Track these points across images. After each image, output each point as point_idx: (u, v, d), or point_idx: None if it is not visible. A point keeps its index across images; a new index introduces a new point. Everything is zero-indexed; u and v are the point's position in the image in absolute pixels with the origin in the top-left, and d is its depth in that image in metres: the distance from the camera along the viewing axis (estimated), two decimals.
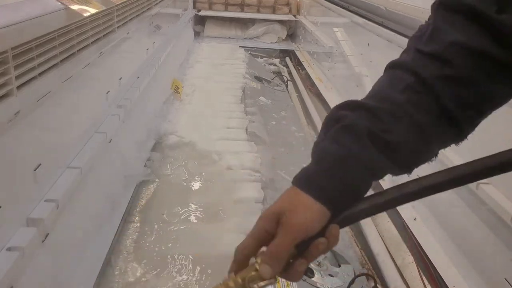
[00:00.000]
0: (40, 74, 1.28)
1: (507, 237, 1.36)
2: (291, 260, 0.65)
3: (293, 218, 0.63)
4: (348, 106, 0.69)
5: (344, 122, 0.66)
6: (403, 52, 0.73)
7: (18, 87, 1.16)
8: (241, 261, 0.66)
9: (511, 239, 1.34)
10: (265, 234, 0.64)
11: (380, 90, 0.72)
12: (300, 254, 0.64)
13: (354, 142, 0.64)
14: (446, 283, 1.60)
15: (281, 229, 0.63)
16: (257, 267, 0.64)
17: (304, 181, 0.65)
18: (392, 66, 0.73)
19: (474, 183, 1.49)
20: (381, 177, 0.69)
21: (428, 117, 0.65)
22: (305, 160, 2.56)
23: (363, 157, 0.64)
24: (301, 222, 0.63)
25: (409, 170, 0.71)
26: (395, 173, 0.71)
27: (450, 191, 1.68)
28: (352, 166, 0.64)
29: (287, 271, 0.65)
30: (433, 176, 0.67)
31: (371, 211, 0.69)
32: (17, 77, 1.14)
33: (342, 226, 0.69)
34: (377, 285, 1.61)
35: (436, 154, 0.70)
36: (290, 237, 0.63)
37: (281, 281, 1.63)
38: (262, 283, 0.65)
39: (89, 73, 1.76)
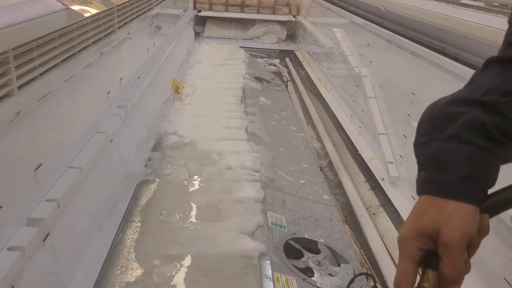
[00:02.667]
0: (41, 74, 1.28)
1: (506, 237, 1.36)
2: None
3: (454, 231, 0.61)
4: (463, 102, 0.66)
5: (466, 119, 0.64)
6: (506, 48, 0.70)
7: (19, 87, 1.16)
8: (405, 284, 0.65)
9: (511, 238, 1.34)
10: (421, 253, 0.63)
11: (495, 85, 0.66)
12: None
13: (485, 139, 0.63)
14: None
15: (445, 248, 0.61)
16: None
17: (446, 189, 0.63)
18: (500, 62, 0.69)
19: None
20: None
21: None
22: (305, 160, 2.55)
23: (498, 153, 0.64)
24: (464, 232, 0.61)
25: None
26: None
27: None
28: (490, 164, 0.64)
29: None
30: None
31: None
32: (18, 77, 1.15)
33: (492, 215, 0.68)
34: (377, 284, 1.61)
35: None
36: (459, 251, 0.61)
37: (281, 280, 1.63)
38: None
39: (89, 73, 1.76)
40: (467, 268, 0.63)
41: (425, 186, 0.64)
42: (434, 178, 0.64)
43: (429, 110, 0.70)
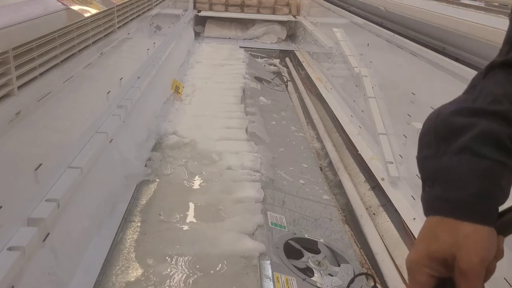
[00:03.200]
0: (41, 74, 1.28)
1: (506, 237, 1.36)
2: None
3: (472, 256, 0.55)
4: (471, 112, 0.60)
5: (477, 130, 0.58)
6: (509, 50, 0.66)
7: (19, 87, 1.16)
8: None
9: (510, 238, 1.34)
10: (433, 280, 0.58)
11: (504, 92, 0.61)
12: None
13: (500, 152, 0.57)
14: None
15: (463, 276, 0.56)
16: None
17: (458, 208, 0.57)
18: (506, 66, 0.64)
19: None
20: None
21: None
22: (305, 160, 2.55)
23: (499, 172, 0.57)
24: (483, 257, 0.56)
25: None
26: None
27: None
28: (504, 179, 0.58)
29: None
30: None
31: None
32: (18, 77, 1.15)
33: (506, 235, 0.62)
34: (377, 284, 1.61)
35: None
36: (479, 278, 0.56)
37: (281, 280, 1.63)
38: None
39: (89, 73, 1.76)
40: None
41: (434, 205, 0.59)
42: (444, 196, 0.58)
43: (432, 119, 0.64)
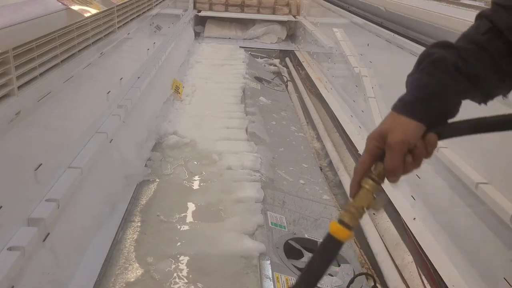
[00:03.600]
0: (41, 74, 1.28)
1: (506, 237, 1.36)
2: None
3: (395, 137, 0.83)
4: (438, 45, 0.85)
5: (433, 57, 0.82)
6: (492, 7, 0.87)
7: (19, 87, 1.16)
8: (360, 173, 0.88)
9: (510, 238, 1.34)
10: (377, 150, 0.85)
11: (467, 33, 0.86)
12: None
13: (444, 74, 0.81)
14: (446, 282, 1.61)
15: (388, 148, 0.84)
16: (367, 187, 0.88)
17: (402, 107, 0.84)
18: (481, 16, 0.86)
19: (474, 183, 1.49)
20: (465, 99, 0.86)
21: (502, 57, 0.80)
22: (305, 160, 2.54)
23: (451, 86, 0.81)
24: (402, 139, 0.83)
25: (487, 99, 0.88)
26: (477, 100, 0.88)
27: (450, 190, 1.68)
28: (443, 94, 0.82)
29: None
30: None
31: (464, 130, 0.86)
32: (18, 77, 1.15)
33: (440, 137, 0.86)
34: (377, 284, 1.61)
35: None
36: (398, 151, 0.83)
37: (281, 280, 1.64)
38: (373, 198, 0.89)
39: (89, 73, 1.76)
40: (409, 168, 0.85)
41: (395, 104, 0.86)
42: (401, 99, 0.86)
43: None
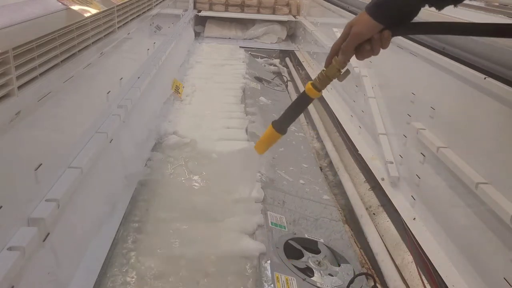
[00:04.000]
0: (41, 74, 1.28)
1: (506, 237, 1.36)
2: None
3: (355, 29, 1.18)
4: None
5: None
6: None
7: (19, 87, 1.16)
8: (334, 51, 1.28)
9: (510, 239, 1.34)
10: (345, 36, 1.21)
11: None
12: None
13: None
14: (446, 282, 1.61)
15: (349, 36, 1.19)
16: (334, 63, 1.29)
17: (369, 7, 1.15)
18: None
19: (474, 183, 1.50)
20: (421, 6, 1.18)
21: None
22: (305, 160, 2.54)
23: None
24: (359, 31, 1.17)
25: (441, 5, 1.21)
26: (434, 5, 1.18)
27: (450, 190, 1.69)
28: (408, 6, 1.15)
29: (357, 54, 1.24)
30: (468, 23, 1.17)
31: (417, 30, 1.28)
32: (18, 77, 1.15)
33: (393, 34, 1.19)
34: (377, 284, 1.61)
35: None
36: (352, 40, 1.19)
37: (281, 280, 1.64)
38: (337, 72, 1.31)
39: (89, 73, 1.76)
40: (368, 54, 1.22)
41: (368, 4, 1.15)
42: (372, 1, 1.15)
43: None
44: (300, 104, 1.51)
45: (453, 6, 1.20)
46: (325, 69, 1.35)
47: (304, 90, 1.44)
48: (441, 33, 1.24)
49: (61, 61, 1.42)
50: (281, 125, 1.54)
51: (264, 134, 1.64)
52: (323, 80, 1.37)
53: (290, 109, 1.53)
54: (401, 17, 1.16)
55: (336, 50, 1.26)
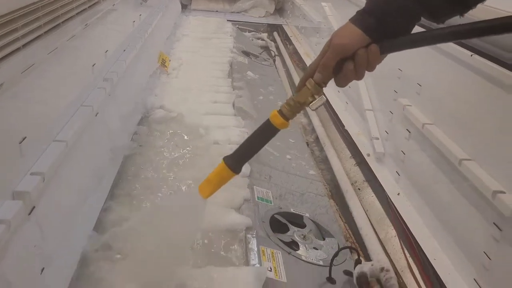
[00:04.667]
0: (24, 45, 1.25)
1: (487, 213, 1.39)
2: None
3: (337, 40, 0.96)
4: None
5: None
6: None
7: (1, 59, 1.14)
8: (311, 71, 1.05)
9: (491, 214, 1.37)
10: (325, 53, 0.99)
11: None
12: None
13: None
14: (427, 255, 1.64)
15: (329, 48, 0.97)
16: (309, 86, 1.04)
17: (354, 17, 0.96)
18: None
19: (458, 159, 1.52)
20: (417, 20, 0.95)
21: None
22: (291, 135, 2.54)
23: (397, 2, 0.91)
24: (342, 43, 0.95)
25: (436, 20, 0.95)
26: (428, 19, 0.95)
27: (434, 166, 1.71)
28: (387, 10, 0.92)
29: (337, 77, 1.04)
30: (455, 26, 0.89)
31: (405, 44, 0.96)
32: (0, 48, 1.12)
33: (382, 51, 0.98)
34: (360, 258, 1.64)
35: (462, 11, 0.94)
36: (333, 53, 0.96)
37: (266, 253, 1.66)
38: (311, 97, 1.05)
39: (74, 45, 1.73)
40: (350, 76, 1.01)
41: (352, 16, 0.98)
42: (358, 11, 0.98)
43: None
44: (263, 136, 1.22)
45: (459, 16, 0.95)
46: (296, 93, 1.09)
47: (268, 119, 1.16)
48: (445, 41, 0.98)
49: (45, 32, 1.39)
50: (236, 162, 1.23)
51: (212, 172, 1.33)
52: (293, 107, 1.11)
53: (249, 142, 1.22)
54: (395, 30, 0.93)
55: (313, 70, 1.03)
